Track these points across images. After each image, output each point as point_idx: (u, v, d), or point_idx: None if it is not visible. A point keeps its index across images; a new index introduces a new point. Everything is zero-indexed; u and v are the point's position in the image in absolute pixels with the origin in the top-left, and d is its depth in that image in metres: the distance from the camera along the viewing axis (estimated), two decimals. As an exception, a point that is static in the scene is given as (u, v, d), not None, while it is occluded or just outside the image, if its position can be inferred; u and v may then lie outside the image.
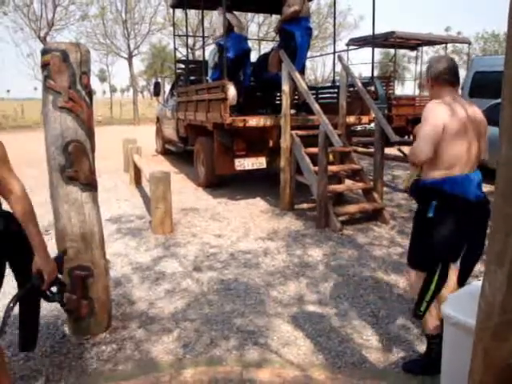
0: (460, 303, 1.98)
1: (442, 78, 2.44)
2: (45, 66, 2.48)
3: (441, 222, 2.38)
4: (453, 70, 2.47)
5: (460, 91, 11.68)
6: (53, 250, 3.61)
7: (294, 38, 6.08)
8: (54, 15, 21.15)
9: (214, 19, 7.10)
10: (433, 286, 2.36)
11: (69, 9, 21.63)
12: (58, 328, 2.95)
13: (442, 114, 2.32)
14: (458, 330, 1.91)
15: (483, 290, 1.44)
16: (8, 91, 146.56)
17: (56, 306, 3.20)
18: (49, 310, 3.19)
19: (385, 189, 6.25)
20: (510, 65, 1.36)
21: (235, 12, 7.63)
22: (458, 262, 2.48)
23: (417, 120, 11.28)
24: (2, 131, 20.85)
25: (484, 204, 2.46)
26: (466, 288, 2.12)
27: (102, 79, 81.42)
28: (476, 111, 2.46)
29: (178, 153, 9.72)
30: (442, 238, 2.37)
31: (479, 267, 3.93)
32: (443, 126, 2.30)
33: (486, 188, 7.03)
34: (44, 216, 5.53)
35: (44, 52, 2.50)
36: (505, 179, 1.39)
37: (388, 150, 6.37)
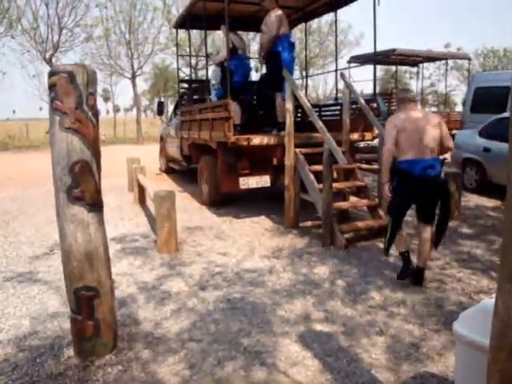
0: (472, 322, 1.95)
1: (402, 101, 4.07)
2: (52, 87, 2.50)
3: (397, 188, 3.95)
4: (410, 95, 4.11)
5: (462, 107, 11.74)
6: (59, 270, 3.62)
7: (280, 57, 6.08)
8: (59, 37, 21.52)
9: (217, 38, 7.19)
10: (389, 231, 3.97)
11: (74, 31, 22.01)
12: (63, 349, 2.92)
13: (395, 121, 3.93)
14: (471, 349, 1.88)
15: (496, 309, 1.41)
16: (14, 111, 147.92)
17: (60, 327, 3.19)
18: (53, 330, 3.17)
19: (389, 205, 6.22)
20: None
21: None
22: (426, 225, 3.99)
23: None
24: (7, 151, 21.02)
25: (431, 179, 3.84)
26: (478, 306, 2.08)
27: (106, 99, 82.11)
28: (428, 117, 3.99)
29: (182, 171, 9.75)
30: (396, 197, 3.94)
31: (487, 283, 3.91)
32: (396, 128, 3.87)
33: (492, 203, 6.98)
34: (49, 235, 5.56)
35: (51, 74, 2.52)
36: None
37: (392, 167, 6.36)
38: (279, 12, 6.17)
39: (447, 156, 4.45)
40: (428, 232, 3.97)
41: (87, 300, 2.67)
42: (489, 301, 2.00)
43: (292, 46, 6.37)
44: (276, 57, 6.18)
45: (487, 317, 1.54)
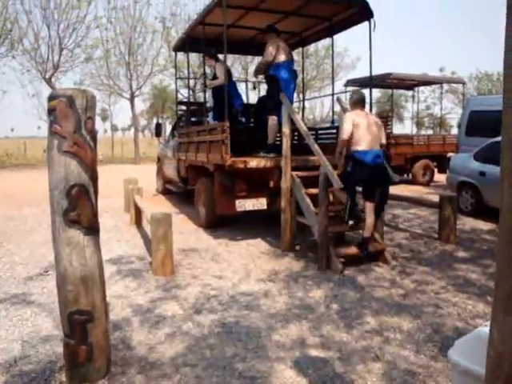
0: (468, 350, 1.95)
1: (356, 103, 5.23)
2: (51, 111, 2.53)
3: (352, 172, 5.05)
4: (361, 98, 5.29)
5: (457, 130, 11.85)
6: (53, 292, 3.59)
7: (278, 83, 6.19)
8: (59, 58, 21.72)
9: (217, 66, 7.31)
10: (348, 205, 5.15)
11: (74, 51, 22.23)
12: (55, 374, 2.87)
13: (351, 117, 5.04)
14: (466, 377, 1.87)
15: (491, 339, 1.42)
16: (12, 130, 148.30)
17: (53, 351, 3.15)
18: (45, 354, 3.13)
19: (385, 228, 6.24)
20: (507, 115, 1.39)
21: (236, 55, 7.87)
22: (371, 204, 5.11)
23: (415, 158, 11.39)
24: (4, 169, 21.02)
25: (378, 166, 5.04)
26: (474, 333, 2.08)
27: (104, 118, 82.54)
28: (373, 118, 5.32)
29: (179, 193, 9.75)
30: (352, 179, 5.05)
31: (483, 308, 3.90)
32: (352, 123, 4.95)
33: (487, 226, 6.99)
34: (44, 256, 5.53)
35: (51, 98, 2.55)
36: (509, 225, 1.39)
37: (388, 190, 6.40)
38: (275, 40, 6.32)
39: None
40: (372, 208, 5.13)
41: (81, 324, 2.65)
42: (484, 328, 2.00)
43: (293, 73, 6.46)
44: (273, 82, 6.28)
45: (482, 344, 1.54)
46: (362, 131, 4.95)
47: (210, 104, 7.82)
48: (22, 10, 20.72)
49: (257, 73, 6.94)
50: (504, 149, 1.38)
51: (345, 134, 4.98)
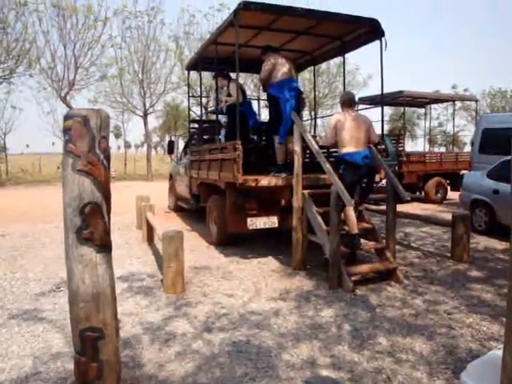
0: (481, 373, 1.92)
1: (343, 103, 5.42)
2: (66, 130, 2.58)
3: (346, 174, 5.23)
4: (348, 99, 5.46)
5: (470, 147, 11.79)
6: (64, 308, 3.61)
7: (278, 102, 6.16)
8: (75, 76, 22.14)
9: (230, 85, 7.42)
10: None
11: (89, 70, 22.65)
12: (66, 392, 2.89)
13: (336, 118, 5.34)
14: (478, 402, 1.84)
15: (504, 363, 1.39)
16: (27, 146, 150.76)
17: (64, 367, 3.16)
18: (56, 371, 3.14)
19: (397, 247, 6.20)
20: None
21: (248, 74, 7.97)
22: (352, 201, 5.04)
23: (428, 176, 11.35)
24: (19, 185, 21.33)
25: (367, 166, 5.28)
26: (486, 356, 2.05)
27: (117, 135, 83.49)
28: (362, 117, 5.46)
29: (191, 210, 9.80)
30: (345, 180, 5.10)
31: (498, 329, 3.83)
32: (336, 125, 5.27)
33: (501, 245, 6.91)
34: (57, 272, 5.58)
35: (66, 118, 2.60)
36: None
37: (399, 207, 6.37)
38: (273, 57, 6.28)
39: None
40: (354, 209, 5.33)
41: (92, 341, 2.66)
42: (497, 351, 1.97)
43: (293, 91, 6.27)
44: (273, 101, 6.29)
45: (495, 368, 1.52)
46: (349, 133, 5.20)
47: (223, 120, 7.91)
48: (40, 30, 21.25)
49: (262, 85, 6.81)
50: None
51: (328, 141, 5.55)
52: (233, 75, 7.59)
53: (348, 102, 5.43)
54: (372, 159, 5.39)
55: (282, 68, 6.23)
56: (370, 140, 5.42)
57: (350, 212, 5.24)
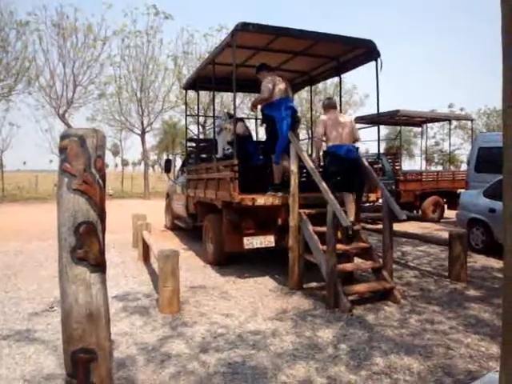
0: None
1: (327, 106, 6.11)
2: (63, 149, 2.57)
3: (329, 165, 5.89)
4: (328, 104, 6.14)
5: (466, 166, 11.85)
6: (57, 328, 3.56)
7: (275, 121, 6.18)
8: (73, 94, 22.32)
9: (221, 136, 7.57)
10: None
11: (88, 88, 22.83)
12: (58, 415, 2.83)
13: (325, 118, 5.91)
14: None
15: (500, 385, 1.38)
16: (24, 163, 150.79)
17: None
18: (49, 394, 3.08)
19: (394, 266, 6.17)
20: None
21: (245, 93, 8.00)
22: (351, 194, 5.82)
23: (425, 195, 11.39)
24: (15, 203, 21.26)
25: (350, 159, 5.77)
26: (485, 378, 2.02)
27: (115, 153, 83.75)
28: (346, 117, 6.26)
29: (187, 229, 9.77)
30: (330, 171, 5.82)
31: (497, 350, 3.79)
32: (324, 125, 5.86)
33: (499, 264, 6.86)
34: (50, 291, 5.53)
35: (63, 137, 2.60)
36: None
37: (396, 226, 6.36)
38: (271, 76, 6.31)
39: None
40: (351, 197, 5.84)
41: (84, 363, 2.61)
42: (495, 374, 1.95)
43: (290, 110, 6.27)
44: (270, 120, 6.33)
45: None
46: (334, 129, 5.82)
47: (221, 145, 7.92)
48: (40, 49, 21.47)
49: (255, 106, 6.94)
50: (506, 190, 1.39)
51: (317, 135, 6.04)
52: (230, 94, 7.64)
53: (330, 106, 6.10)
54: (355, 153, 5.91)
55: (278, 87, 6.27)
56: (353, 137, 5.98)
57: (348, 199, 5.83)
